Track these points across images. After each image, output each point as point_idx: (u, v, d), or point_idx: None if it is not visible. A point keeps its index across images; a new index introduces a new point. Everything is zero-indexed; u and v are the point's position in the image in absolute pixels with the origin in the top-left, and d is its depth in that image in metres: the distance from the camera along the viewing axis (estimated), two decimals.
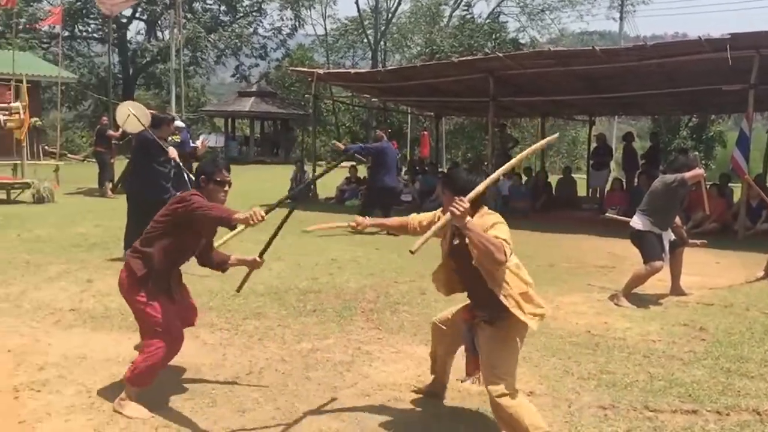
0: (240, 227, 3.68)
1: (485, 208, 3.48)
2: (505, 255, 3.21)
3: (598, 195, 15.71)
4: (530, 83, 13.78)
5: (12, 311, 5.61)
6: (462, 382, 3.90)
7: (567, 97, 14.49)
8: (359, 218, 3.92)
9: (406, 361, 4.70)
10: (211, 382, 4.23)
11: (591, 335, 5.35)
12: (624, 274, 7.13)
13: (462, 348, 3.80)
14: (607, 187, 15.04)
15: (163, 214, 3.84)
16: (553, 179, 15.89)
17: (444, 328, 3.90)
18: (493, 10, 40.56)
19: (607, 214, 9.30)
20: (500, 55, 13.02)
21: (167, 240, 3.79)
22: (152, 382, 3.81)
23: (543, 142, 4.24)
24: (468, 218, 3.19)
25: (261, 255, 3.96)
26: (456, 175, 3.58)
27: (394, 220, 3.96)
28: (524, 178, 14.99)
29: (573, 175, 16.36)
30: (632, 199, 11.72)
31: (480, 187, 3.31)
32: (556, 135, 4.30)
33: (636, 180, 14.27)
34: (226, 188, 3.90)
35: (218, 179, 3.84)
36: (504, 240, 3.23)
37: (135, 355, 4.36)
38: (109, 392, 3.98)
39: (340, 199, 15.39)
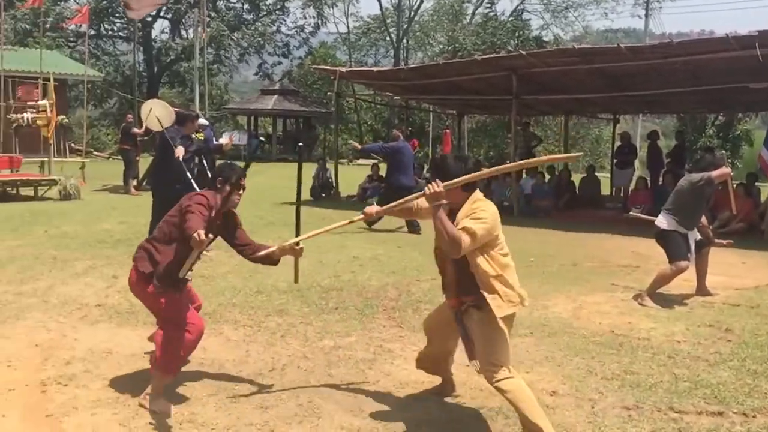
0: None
1: (477, 194, 3.53)
2: (460, 249, 3.30)
3: (622, 194, 15.57)
4: (553, 81, 13.67)
5: (40, 306, 5.70)
6: (468, 366, 3.85)
7: (591, 95, 14.36)
8: (367, 208, 3.96)
9: None
10: (235, 377, 4.26)
11: (615, 335, 5.31)
12: (648, 274, 7.07)
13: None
14: (632, 186, 14.90)
15: (172, 213, 3.93)
16: (577, 178, 15.75)
17: (437, 326, 3.90)
18: (516, 7, 40.27)
19: (631, 213, 9.23)
20: (523, 53, 12.93)
21: (175, 237, 3.84)
22: (178, 370, 3.88)
23: (562, 156, 4.23)
24: (440, 202, 3.33)
25: (298, 243, 4.04)
26: (443, 162, 3.66)
27: (399, 204, 3.95)
28: (547, 177, 14.87)
29: (596, 173, 16.19)
30: (657, 198, 11.59)
31: (462, 178, 3.40)
32: (579, 154, 4.25)
33: (661, 179, 14.12)
34: (241, 192, 4.02)
35: (234, 183, 3.94)
36: (472, 232, 3.31)
37: (205, 348, 4.46)
38: (134, 387, 4.03)
39: (362, 197, 15.37)
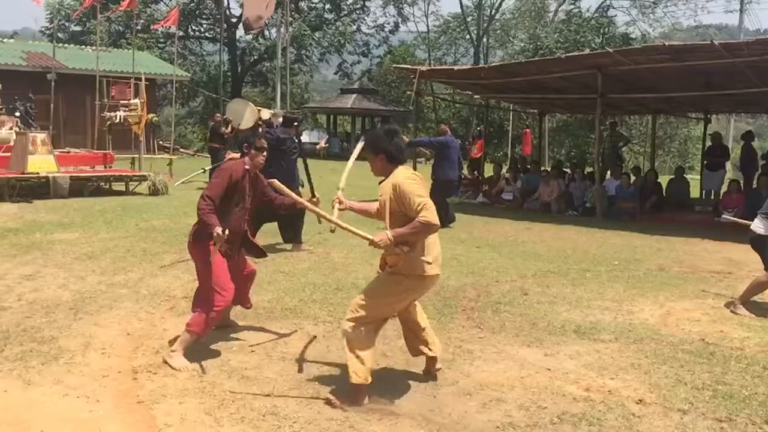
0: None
1: (399, 167, 3.86)
2: (433, 223, 3.69)
3: (712, 197, 14.92)
4: (641, 79, 13.23)
5: (131, 297, 5.94)
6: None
7: (681, 93, 13.81)
8: (340, 196, 4.20)
9: (508, 361, 4.63)
10: (315, 372, 4.31)
11: (705, 344, 5.09)
12: (742, 281, 6.76)
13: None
14: (723, 188, 14.25)
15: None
16: (663, 180, 15.20)
17: (402, 313, 4.18)
18: (602, 3, 39.27)
19: (723, 217, 8.80)
20: (610, 50, 12.57)
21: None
22: (203, 332, 4.40)
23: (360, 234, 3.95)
24: (383, 241, 3.71)
25: (313, 195, 4.84)
26: (372, 137, 4.04)
27: (361, 205, 4.31)
28: (632, 178, 14.40)
29: (685, 175, 15.57)
30: (750, 202, 11.03)
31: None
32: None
33: (755, 182, 13.44)
34: (264, 153, 4.78)
35: (257, 146, 4.73)
36: (427, 206, 3.67)
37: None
38: (219, 377, 4.15)
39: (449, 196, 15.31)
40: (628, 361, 4.68)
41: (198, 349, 4.63)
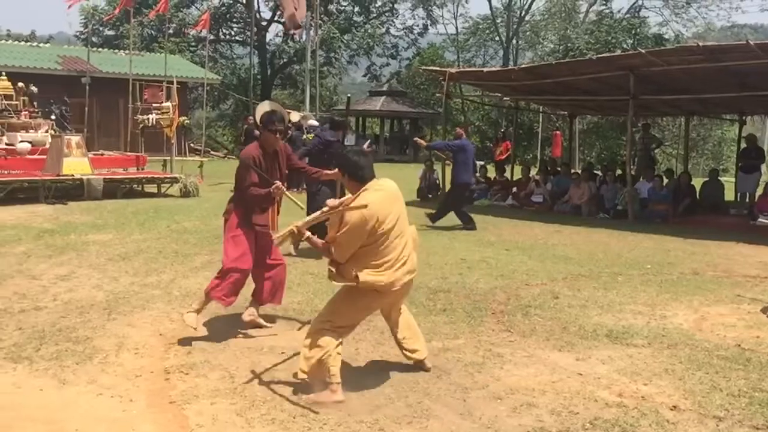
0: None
1: (364, 187, 3.91)
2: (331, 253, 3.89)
3: (747, 200, 14.63)
4: (673, 80, 13.03)
5: (163, 297, 6.02)
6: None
7: (715, 95, 13.57)
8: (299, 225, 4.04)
9: (539, 365, 4.59)
10: (345, 374, 4.29)
11: (741, 349, 4.99)
12: None
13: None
14: (758, 191, 13.97)
15: None
16: (697, 182, 14.95)
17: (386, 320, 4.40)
18: (634, 4, 38.80)
19: (759, 220, 8.64)
20: (643, 51, 12.41)
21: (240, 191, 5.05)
22: (221, 296, 4.88)
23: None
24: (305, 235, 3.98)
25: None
26: (344, 157, 4.11)
27: (317, 242, 4.05)
28: (665, 180, 14.19)
29: (720, 178, 15.29)
30: None
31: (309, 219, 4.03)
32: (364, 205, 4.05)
33: None
34: (277, 135, 5.09)
35: (271, 128, 5.04)
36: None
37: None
38: (250, 379, 4.17)
39: (469, 198, 15.25)
40: (661, 366, 4.61)
41: (229, 351, 4.67)
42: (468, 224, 10.60)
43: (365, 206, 3.74)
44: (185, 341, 4.85)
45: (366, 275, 3.81)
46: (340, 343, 3.97)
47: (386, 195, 3.92)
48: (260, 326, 5.20)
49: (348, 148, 4.53)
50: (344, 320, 3.98)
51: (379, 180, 4.02)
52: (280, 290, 5.30)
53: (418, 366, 4.40)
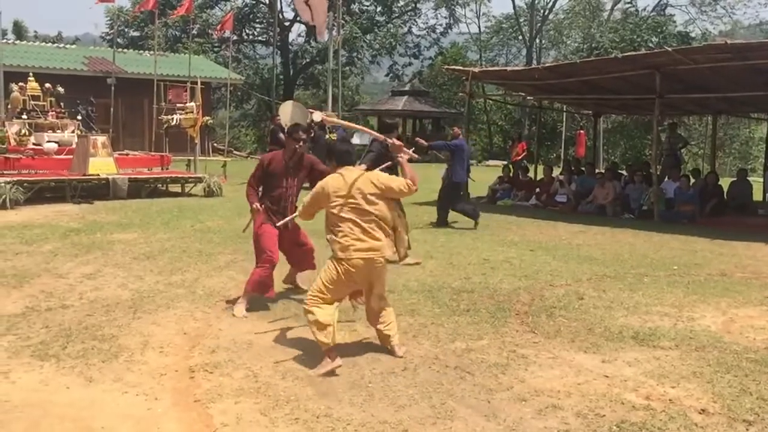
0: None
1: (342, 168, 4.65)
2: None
3: None
4: (700, 79, 12.84)
5: (187, 296, 6.05)
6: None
7: (744, 93, 13.35)
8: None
9: (564, 367, 4.54)
10: (368, 375, 4.30)
11: None
12: None
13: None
14: None
15: None
16: (724, 182, 14.73)
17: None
18: (660, 2, 38.34)
19: None
20: (669, 49, 12.24)
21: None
22: (255, 287, 5.63)
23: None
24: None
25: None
26: (333, 147, 4.97)
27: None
28: (692, 180, 13.99)
29: (748, 177, 15.03)
30: None
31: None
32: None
33: None
34: (299, 143, 5.78)
35: (293, 137, 5.76)
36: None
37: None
38: (273, 378, 4.18)
39: (492, 199, 15.20)
40: (689, 369, 4.53)
41: (253, 350, 4.69)
42: (473, 215, 10.76)
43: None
44: (209, 340, 4.87)
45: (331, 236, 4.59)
46: (331, 313, 4.45)
47: (345, 178, 4.57)
48: (297, 286, 6.27)
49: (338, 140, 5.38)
50: (328, 293, 4.51)
51: (351, 168, 4.69)
52: (308, 259, 6.13)
53: (390, 351, 4.73)
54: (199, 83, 17.41)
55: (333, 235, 4.57)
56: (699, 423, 3.70)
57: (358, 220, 4.49)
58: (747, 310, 6.10)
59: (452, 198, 10.97)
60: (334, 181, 4.60)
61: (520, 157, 18.16)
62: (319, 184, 4.66)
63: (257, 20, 41.06)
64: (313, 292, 4.51)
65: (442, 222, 10.76)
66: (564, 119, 28.62)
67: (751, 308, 6.19)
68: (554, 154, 31.60)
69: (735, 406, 3.93)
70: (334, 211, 4.54)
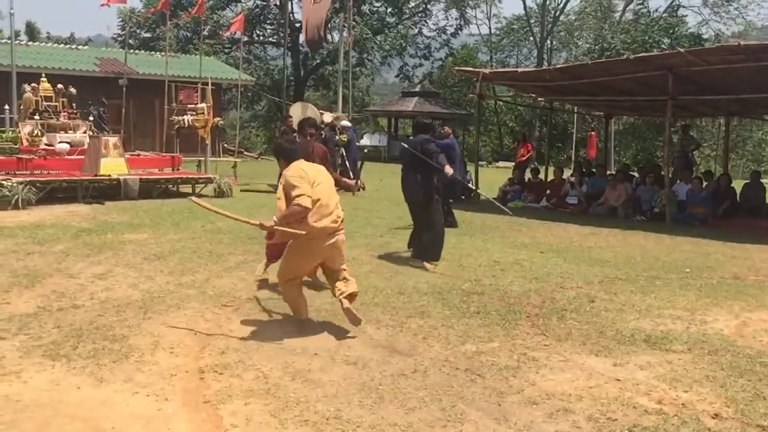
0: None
1: (292, 163, 5.00)
2: (304, 212, 4.78)
3: None
4: (713, 80, 12.75)
5: (198, 297, 6.06)
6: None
7: (757, 95, 13.25)
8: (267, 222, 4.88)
9: (575, 370, 4.51)
10: (378, 377, 4.29)
11: None
12: None
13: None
14: None
15: None
16: (737, 184, 14.61)
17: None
18: (672, 3, 38.15)
19: None
20: (682, 50, 12.16)
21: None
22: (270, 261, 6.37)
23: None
24: (269, 223, 4.84)
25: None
26: (280, 146, 5.30)
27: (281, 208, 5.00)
28: (704, 183, 13.89)
29: (761, 180, 14.91)
30: None
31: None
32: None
33: None
34: (309, 137, 6.27)
35: (304, 134, 6.25)
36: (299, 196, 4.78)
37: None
38: (283, 379, 4.17)
39: (502, 200, 15.13)
40: (702, 373, 4.49)
41: (263, 351, 4.68)
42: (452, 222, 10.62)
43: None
44: (220, 341, 4.87)
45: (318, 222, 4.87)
46: (297, 288, 5.20)
47: (305, 168, 4.96)
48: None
49: (284, 139, 5.85)
50: (291, 273, 5.09)
51: (301, 162, 5.03)
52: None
53: (348, 313, 5.09)
54: (210, 84, 17.48)
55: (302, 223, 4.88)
56: (712, 428, 3.66)
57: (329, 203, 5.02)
58: (760, 314, 6.05)
59: (449, 197, 10.90)
60: (309, 168, 5.02)
61: (525, 158, 18.09)
62: (297, 172, 4.88)
63: (268, 21, 41.17)
64: (282, 274, 5.20)
65: (450, 223, 10.72)
66: (575, 120, 28.51)
67: (765, 312, 6.13)
68: (565, 156, 31.49)
69: (748, 411, 3.89)
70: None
